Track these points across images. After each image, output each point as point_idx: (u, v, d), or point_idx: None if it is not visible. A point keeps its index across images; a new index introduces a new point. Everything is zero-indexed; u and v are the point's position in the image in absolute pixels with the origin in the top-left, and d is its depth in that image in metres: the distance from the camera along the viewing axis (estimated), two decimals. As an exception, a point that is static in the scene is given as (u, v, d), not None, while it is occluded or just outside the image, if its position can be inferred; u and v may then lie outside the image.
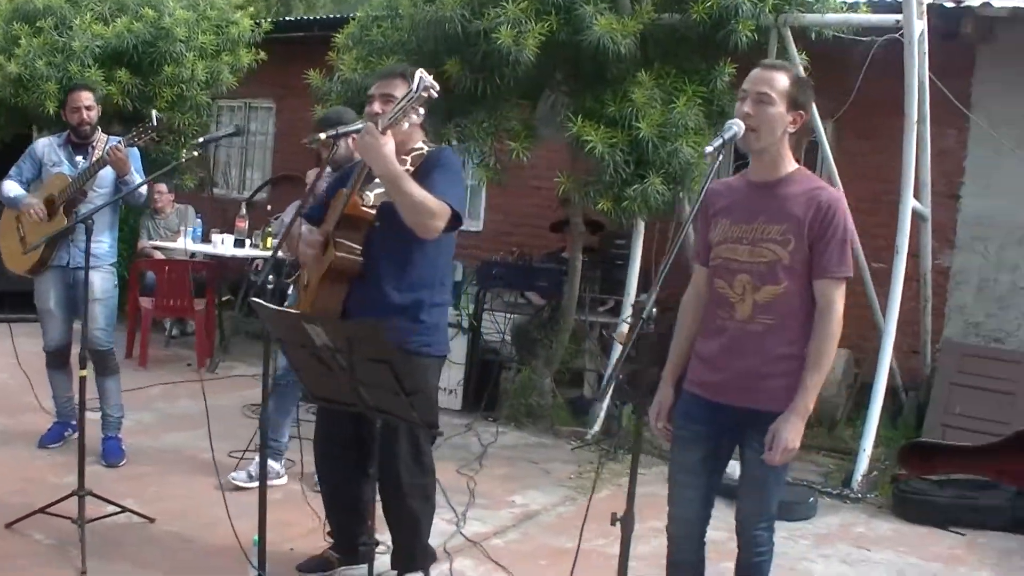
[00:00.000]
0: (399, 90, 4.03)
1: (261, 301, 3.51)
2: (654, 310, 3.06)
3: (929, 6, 6.99)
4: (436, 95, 3.86)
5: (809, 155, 8.19)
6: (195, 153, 5.42)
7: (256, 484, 4.33)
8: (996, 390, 7.60)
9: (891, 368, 8.02)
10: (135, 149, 6.03)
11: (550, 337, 7.78)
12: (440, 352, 4.33)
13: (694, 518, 3.77)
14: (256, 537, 4.00)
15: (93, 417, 5.67)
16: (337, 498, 4.58)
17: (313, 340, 3.33)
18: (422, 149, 4.21)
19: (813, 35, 6.96)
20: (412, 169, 4.06)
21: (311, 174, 5.98)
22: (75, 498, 4.79)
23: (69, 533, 4.74)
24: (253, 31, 10.61)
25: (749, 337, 3.57)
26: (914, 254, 7.69)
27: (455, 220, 4.02)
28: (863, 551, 5.63)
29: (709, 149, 3.23)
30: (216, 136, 5.30)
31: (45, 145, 6.23)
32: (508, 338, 8.34)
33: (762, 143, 3.52)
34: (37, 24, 9.82)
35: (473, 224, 11.10)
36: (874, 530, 6.01)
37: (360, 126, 4.01)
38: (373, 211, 4.10)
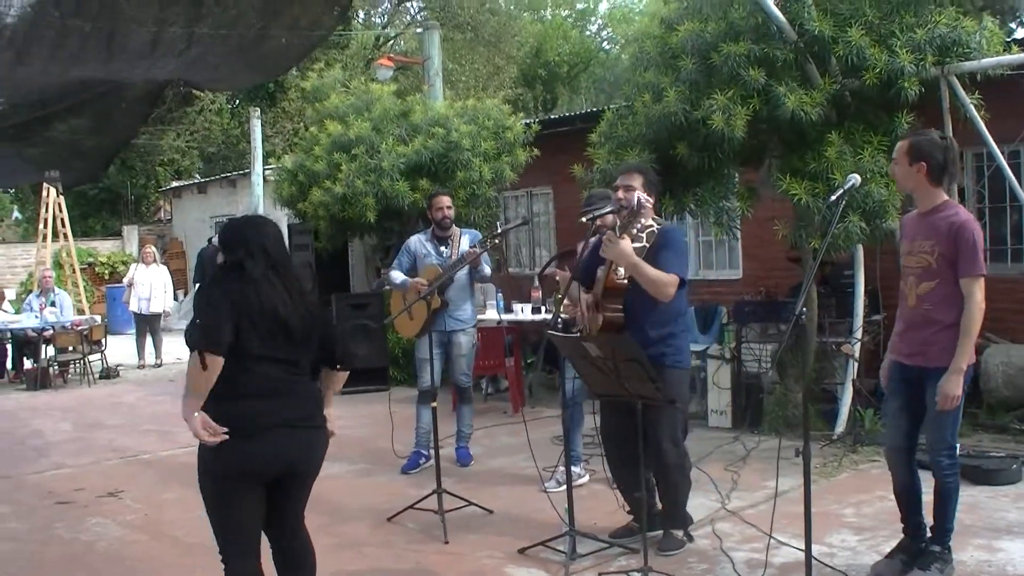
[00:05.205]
0: (636, 181, 5.84)
1: (554, 332, 5.29)
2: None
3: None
4: (649, 206, 5.61)
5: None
6: (495, 241, 7.18)
7: (563, 488, 6.11)
8: None
9: None
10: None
11: (798, 358, 8.99)
12: (685, 365, 5.96)
13: (901, 446, 5.24)
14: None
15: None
16: (622, 477, 6.11)
17: (589, 353, 5.02)
18: (653, 226, 5.85)
19: (979, 77, 7.84)
20: (647, 245, 5.73)
21: (580, 246, 7.67)
22: (434, 497, 6.57)
23: (431, 522, 6.52)
24: (525, 132, 12.47)
25: (918, 316, 5.09)
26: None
27: (681, 283, 5.66)
28: (1058, 505, 6.50)
29: (832, 198, 4.71)
30: (510, 227, 7.08)
31: (416, 242, 8.13)
32: (767, 363, 9.63)
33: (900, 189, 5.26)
34: (352, 152, 11.97)
35: (733, 272, 12.60)
36: (1074, 492, 6.83)
37: (608, 210, 5.77)
38: (625, 281, 5.75)
